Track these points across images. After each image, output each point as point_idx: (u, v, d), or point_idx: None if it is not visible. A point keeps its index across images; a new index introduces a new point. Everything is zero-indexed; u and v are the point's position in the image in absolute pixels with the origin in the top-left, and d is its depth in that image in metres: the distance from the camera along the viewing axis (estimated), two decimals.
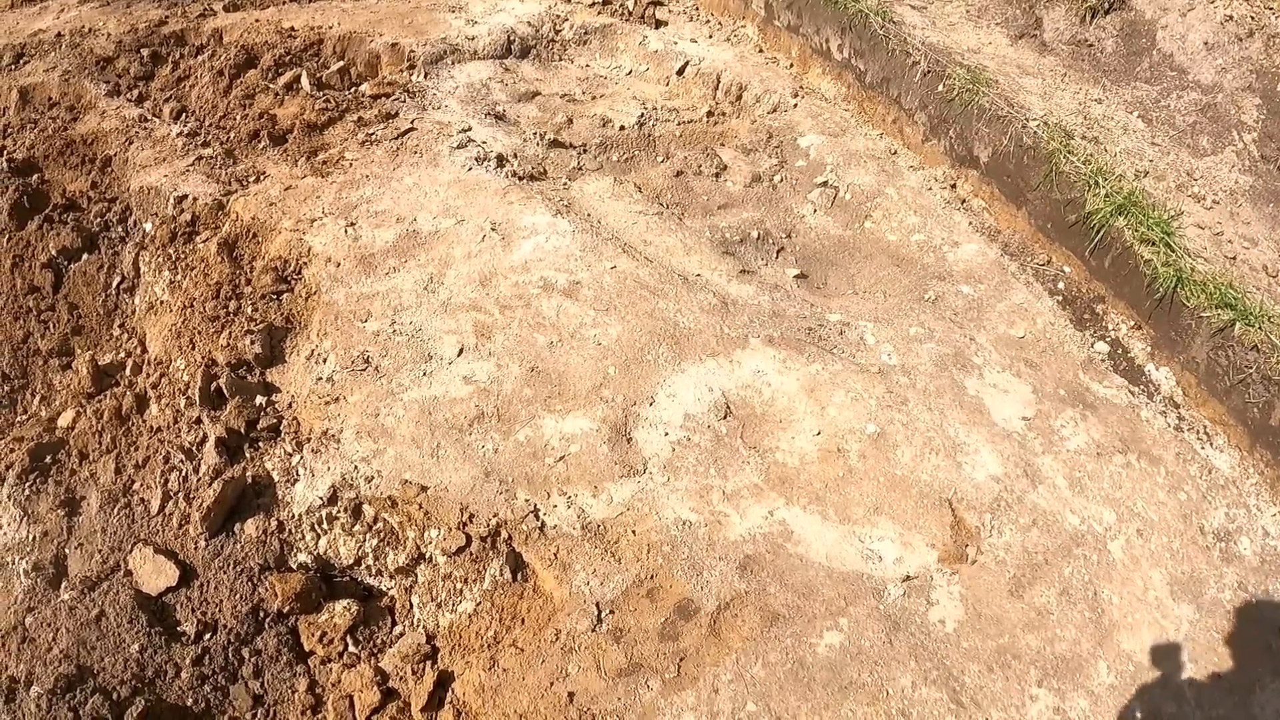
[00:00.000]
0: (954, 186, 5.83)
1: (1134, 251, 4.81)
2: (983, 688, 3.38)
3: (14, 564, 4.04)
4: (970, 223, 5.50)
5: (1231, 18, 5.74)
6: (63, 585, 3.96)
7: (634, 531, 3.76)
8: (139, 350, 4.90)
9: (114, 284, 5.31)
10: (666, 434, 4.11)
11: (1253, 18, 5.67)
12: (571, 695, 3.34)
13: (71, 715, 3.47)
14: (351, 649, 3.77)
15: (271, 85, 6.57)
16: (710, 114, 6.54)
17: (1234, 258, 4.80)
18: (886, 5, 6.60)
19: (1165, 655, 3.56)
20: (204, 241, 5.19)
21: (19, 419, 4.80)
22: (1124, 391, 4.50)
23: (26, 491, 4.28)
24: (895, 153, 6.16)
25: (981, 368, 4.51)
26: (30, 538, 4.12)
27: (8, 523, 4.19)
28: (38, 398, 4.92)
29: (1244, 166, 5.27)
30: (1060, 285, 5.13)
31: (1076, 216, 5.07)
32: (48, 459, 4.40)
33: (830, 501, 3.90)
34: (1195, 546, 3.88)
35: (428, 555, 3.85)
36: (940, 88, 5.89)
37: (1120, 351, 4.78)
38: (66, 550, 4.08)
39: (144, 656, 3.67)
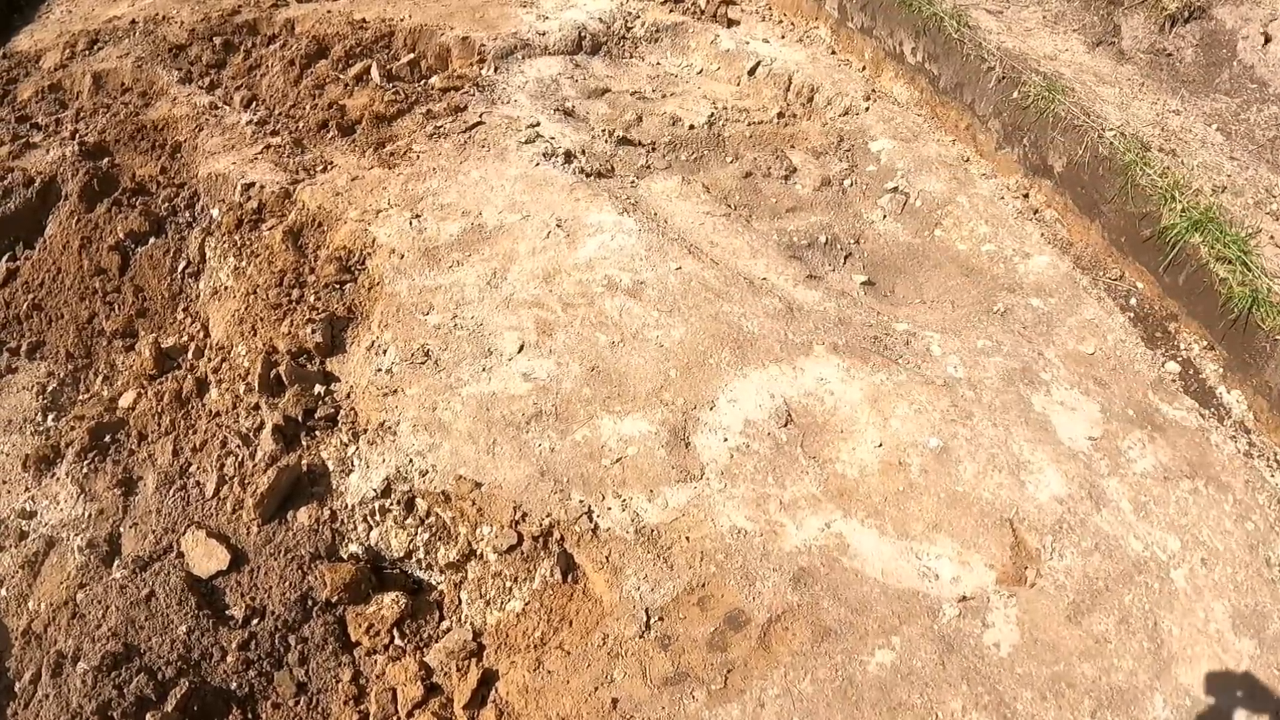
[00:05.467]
0: (1026, 196, 5.73)
1: (1209, 269, 4.69)
2: (1035, 716, 3.30)
3: (69, 540, 4.10)
4: (1042, 234, 5.40)
5: None
6: (115, 563, 4.00)
7: (688, 538, 3.71)
8: (202, 335, 4.95)
9: (180, 268, 5.36)
10: (726, 440, 4.06)
11: None
12: (615, 701, 3.31)
13: (116, 693, 3.50)
14: (398, 642, 3.77)
15: (341, 76, 6.62)
16: (781, 115, 6.48)
17: None
18: (962, 9, 6.51)
19: (1224, 690, 3.45)
20: (269, 229, 5.23)
21: (81, 397, 4.86)
22: (1194, 414, 4.39)
23: (85, 469, 4.35)
24: (967, 160, 6.07)
25: (1049, 384, 4.42)
26: (86, 515, 4.18)
27: (65, 499, 4.26)
28: (100, 377, 4.98)
29: None
30: (1132, 301, 5.02)
31: (1151, 231, 4.95)
32: (107, 438, 4.47)
33: (889, 516, 3.83)
34: (1260, 579, 3.76)
35: (479, 552, 3.84)
36: (1015, 95, 5.79)
37: (1191, 372, 4.66)
38: (121, 529, 4.14)
39: (191, 638, 3.70)
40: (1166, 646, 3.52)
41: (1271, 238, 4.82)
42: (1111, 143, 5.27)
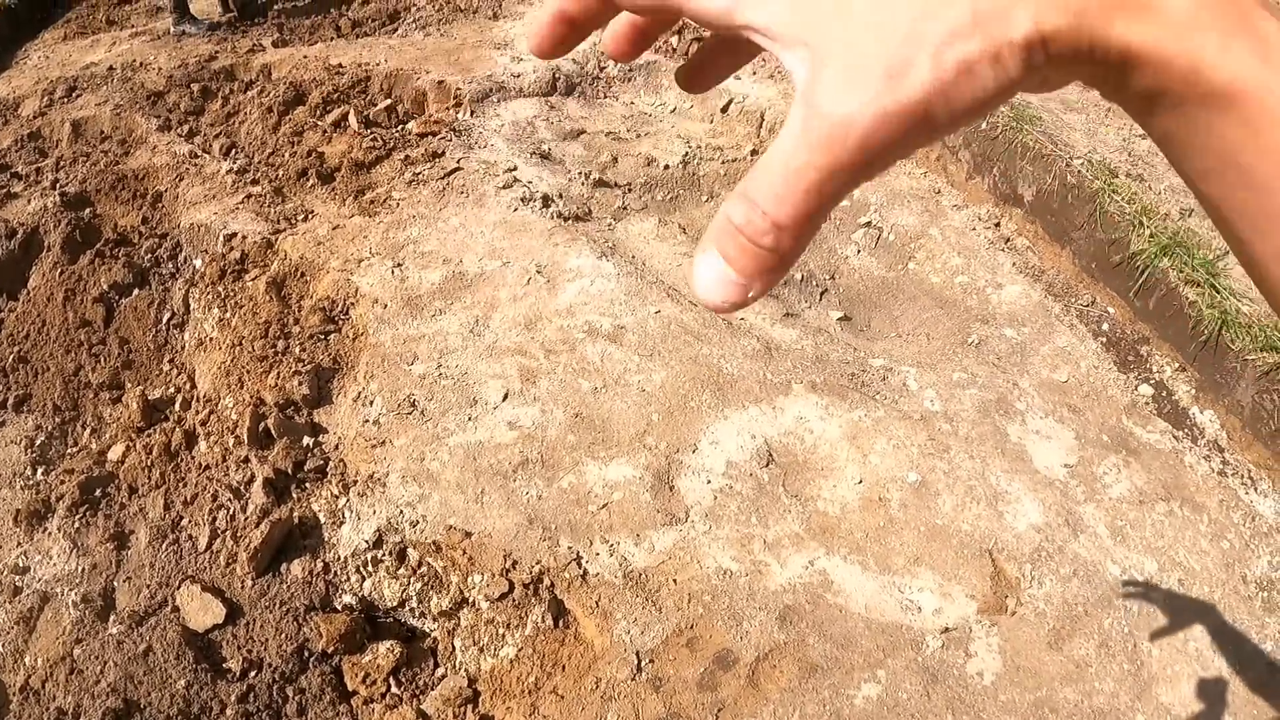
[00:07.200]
0: (998, 225, 5.82)
1: (1179, 292, 4.79)
2: None
3: (63, 595, 4.12)
4: (1014, 263, 5.49)
5: None
6: (111, 618, 4.02)
7: (675, 580, 3.77)
8: (189, 386, 4.98)
9: (164, 319, 5.39)
10: (709, 482, 4.13)
11: None
12: None
13: None
14: (394, 690, 3.80)
15: (320, 122, 6.66)
16: (754, 152, 6.55)
17: None
18: None
19: (1204, 709, 3.53)
20: (253, 280, 5.27)
21: (70, 451, 4.88)
22: (1168, 436, 4.47)
23: (76, 524, 4.36)
24: (939, 191, 6.15)
25: (1024, 414, 4.50)
26: (79, 570, 4.20)
27: (57, 554, 4.27)
28: (88, 430, 5.00)
29: None
30: (1104, 327, 5.11)
31: (1121, 257, 5.05)
32: (98, 492, 4.49)
33: (870, 551, 3.91)
34: (1237, 596, 3.84)
35: (471, 600, 3.89)
36: (984, 125, 5.88)
37: (1164, 394, 4.75)
38: (115, 584, 4.15)
39: (190, 692, 3.72)
40: (1147, 668, 3.59)
41: None
42: (1080, 170, 5.36)
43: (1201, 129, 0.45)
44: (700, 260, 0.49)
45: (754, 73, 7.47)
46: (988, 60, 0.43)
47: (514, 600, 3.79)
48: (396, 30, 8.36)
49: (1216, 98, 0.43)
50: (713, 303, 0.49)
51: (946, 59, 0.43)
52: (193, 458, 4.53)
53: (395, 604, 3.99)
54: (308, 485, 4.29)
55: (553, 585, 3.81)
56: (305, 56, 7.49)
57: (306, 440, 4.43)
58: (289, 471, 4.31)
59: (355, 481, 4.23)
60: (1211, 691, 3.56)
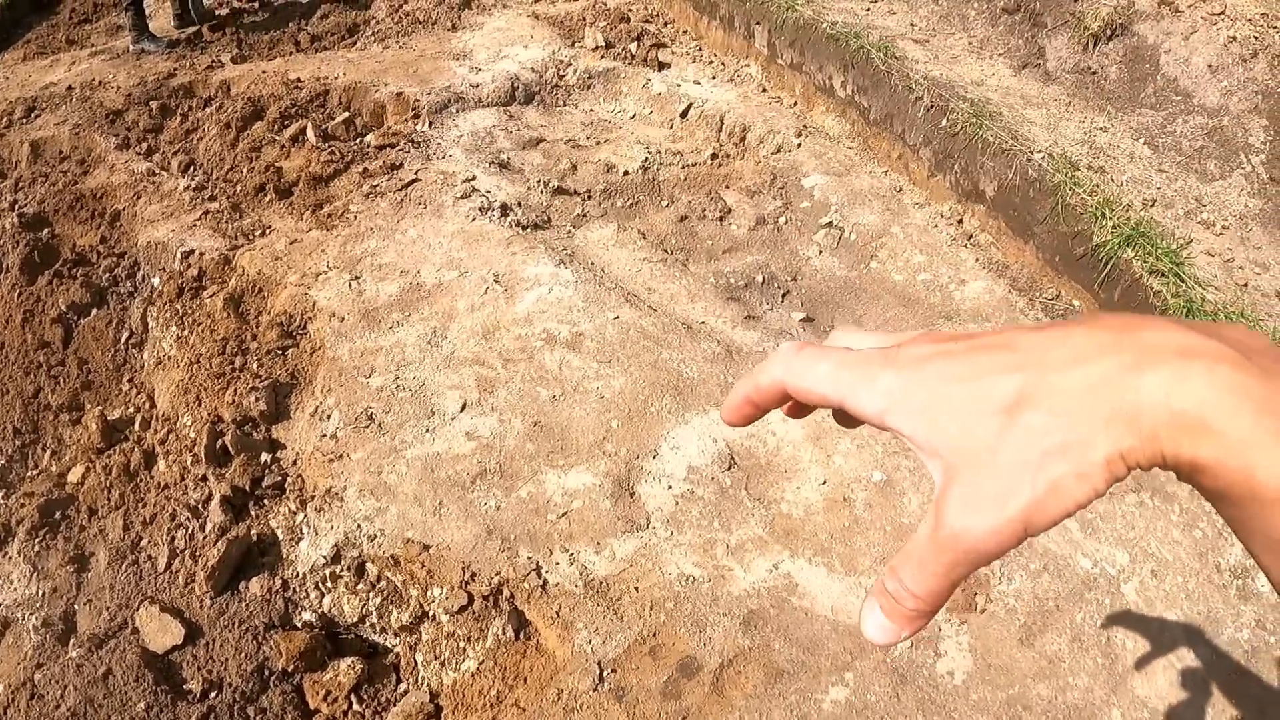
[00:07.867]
0: (960, 221, 5.80)
1: (1143, 283, 4.76)
2: None
3: (24, 620, 4.07)
4: (977, 259, 5.47)
5: (1235, 39, 5.70)
6: (71, 642, 3.98)
7: (637, 588, 3.73)
8: (148, 405, 4.93)
9: (123, 339, 5.34)
10: (670, 487, 4.09)
11: (1256, 38, 5.63)
12: None
13: None
14: (356, 707, 3.76)
15: (278, 137, 6.62)
16: (714, 156, 6.54)
17: (1245, 284, 4.75)
18: (889, 40, 6.60)
19: (1182, 700, 3.50)
20: (210, 297, 5.23)
21: (30, 474, 4.83)
22: None
23: (37, 547, 4.31)
24: (900, 190, 6.14)
25: None
26: (40, 593, 4.15)
27: (18, 578, 4.22)
28: (48, 452, 4.95)
29: (1253, 190, 5.23)
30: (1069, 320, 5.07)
31: (1084, 249, 5.02)
32: (57, 515, 4.44)
33: (836, 552, 3.86)
34: (1211, 585, 3.81)
35: (431, 613, 3.84)
36: (944, 122, 5.87)
37: None
38: (75, 606, 4.10)
39: (150, 715, 3.68)
40: (1121, 661, 3.56)
41: (1203, 247, 4.91)
42: (1040, 164, 5.35)
43: (1259, 519, 0.55)
44: (867, 610, 0.64)
45: (714, 76, 7.46)
46: (1073, 478, 0.55)
47: (474, 613, 3.74)
48: (355, 43, 8.34)
49: (1269, 498, 0.54)
50: (876, 641, 0.65)
51: (1040, 481, 0.56)
52: (152, 477, 4.49)
53: (355, 620, 3.95)
54: (266, 502, 4.24)
55: (512, 596, 3.76)
56: (264, 72, 7.45)
57: (264, 456, 4.39)
58: (247, 488, 4.26)
59: (313, 497, 4.18)
60: (1188, 682, 3.53)
